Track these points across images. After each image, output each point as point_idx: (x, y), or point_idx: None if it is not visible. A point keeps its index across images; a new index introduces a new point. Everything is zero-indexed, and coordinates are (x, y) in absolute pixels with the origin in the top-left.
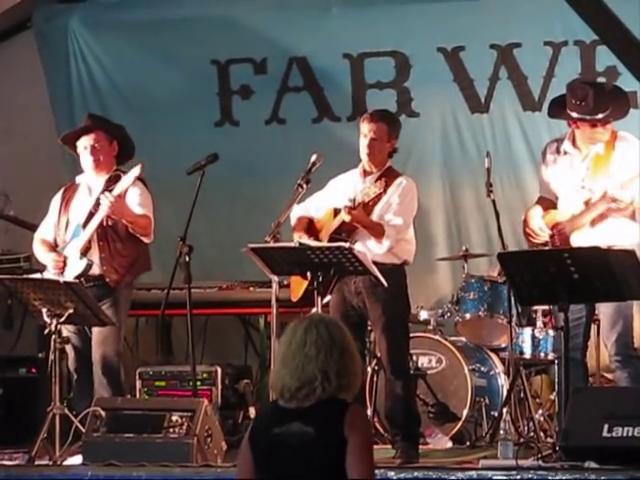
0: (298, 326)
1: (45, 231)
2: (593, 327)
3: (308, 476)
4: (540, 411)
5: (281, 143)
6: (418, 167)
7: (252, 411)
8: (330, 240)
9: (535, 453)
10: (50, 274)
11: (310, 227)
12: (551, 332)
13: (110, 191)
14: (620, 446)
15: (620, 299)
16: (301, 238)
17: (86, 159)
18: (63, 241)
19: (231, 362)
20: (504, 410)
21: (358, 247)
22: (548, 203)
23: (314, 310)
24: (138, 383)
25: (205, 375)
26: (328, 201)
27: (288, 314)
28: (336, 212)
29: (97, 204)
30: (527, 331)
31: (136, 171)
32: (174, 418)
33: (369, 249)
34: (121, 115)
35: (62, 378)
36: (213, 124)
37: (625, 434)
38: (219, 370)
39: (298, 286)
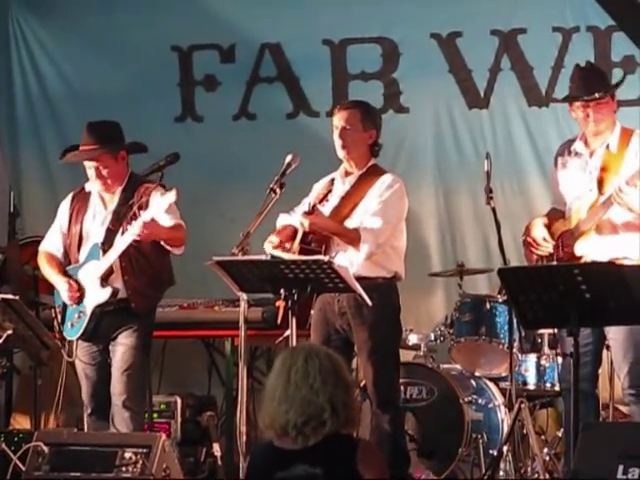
0: (296, 355)
1: (52, 242)
2: (606, 354)
3: None
4: (545, 449)
5: (251, 141)
6: (408, 170)
7: (216, 447)
8: (300, 251)
9: None
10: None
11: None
12: (558, 359)
13: (135, 216)
14: None
15: (638, 322)
16: (273, 248)
17: (93, 181)
18: (76, 260)
19: (193, 392)
20: (505, 448)
21: (340, 259)
22: (559, 215)
23: (287, 333)
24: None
25: (163, 406)
26: None
27: (258, 337)
28: None
29: (115, 220)
30: (531, 358)
31: (171, 197)
32: (127, 455)
33: (352, 262)
34: (68, 108)
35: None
36: (173, 119)
37: None
38: (179, 401)
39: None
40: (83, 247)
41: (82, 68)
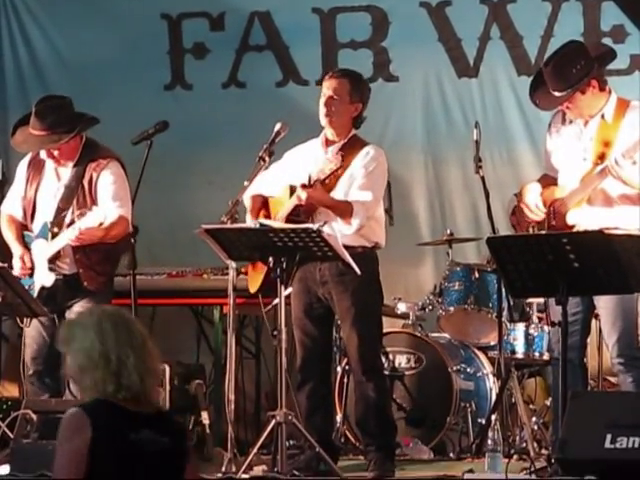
0: (120, 318)
1: (12, 204)
2: (595, 323)
3: None
4: (534, 418)
5: (240, 110)
6: (397, 139)
7: (204, 415)
8: (287, 223)
9: (528, 466)
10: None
11: (265, 207)
12: (547, 329)
13: (84, 194)
14: (624, 459)
15: (626, 291)
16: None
17: (48, 161)
18: (31, 228)
19: (181, 360)
20: (493, 417)
21: (326, 229)
22: (550, 181)
23: (276, 301)
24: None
25: None
26: (284, 176)
27: (247, 305)
28: (292, 190)
29: (65, 197)
30: (520, 327)
31: (98, 215)
32: None
33: (336, 231)
34: (58, 77)
35: None
36: (163, 87)
37: (630, 445)
38: (167, 368)
39: (255, 275)
40: (36, 218)
41: (72, 37)
